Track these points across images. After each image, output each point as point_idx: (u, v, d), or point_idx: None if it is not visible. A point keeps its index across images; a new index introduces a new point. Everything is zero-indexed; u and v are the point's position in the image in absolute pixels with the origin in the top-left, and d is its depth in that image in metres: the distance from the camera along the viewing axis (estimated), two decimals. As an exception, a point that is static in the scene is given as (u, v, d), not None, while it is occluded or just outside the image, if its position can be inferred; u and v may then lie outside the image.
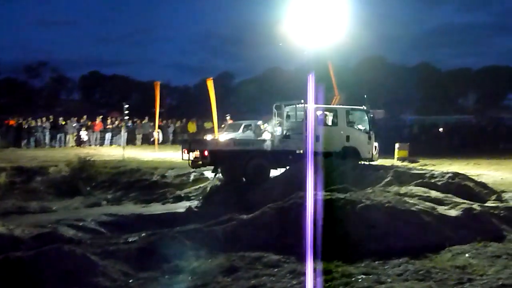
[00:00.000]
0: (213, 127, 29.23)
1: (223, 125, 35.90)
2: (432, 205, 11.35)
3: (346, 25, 28.43)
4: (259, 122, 36.24)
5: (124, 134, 30.98)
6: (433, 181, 14.49)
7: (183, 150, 19.26)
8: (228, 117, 39.28)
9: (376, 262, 8.41)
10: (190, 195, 17.60)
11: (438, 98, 70.83)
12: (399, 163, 23.13)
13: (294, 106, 20.78)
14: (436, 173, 15.75)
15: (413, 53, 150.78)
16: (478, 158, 27.11)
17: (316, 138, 19.57)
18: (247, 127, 36.20)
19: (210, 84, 27.57)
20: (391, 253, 8.82)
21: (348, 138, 20.74)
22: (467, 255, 9.04)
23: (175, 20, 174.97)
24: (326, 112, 21.49)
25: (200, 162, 18.70)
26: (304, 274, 7.70)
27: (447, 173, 15.52)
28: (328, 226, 9.17)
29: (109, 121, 39.93)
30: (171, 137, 41.61)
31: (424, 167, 20.91)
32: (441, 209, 11.21)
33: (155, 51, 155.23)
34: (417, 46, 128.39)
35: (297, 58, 39.09)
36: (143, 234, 9.89)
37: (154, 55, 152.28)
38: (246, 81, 76.82)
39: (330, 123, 21.27)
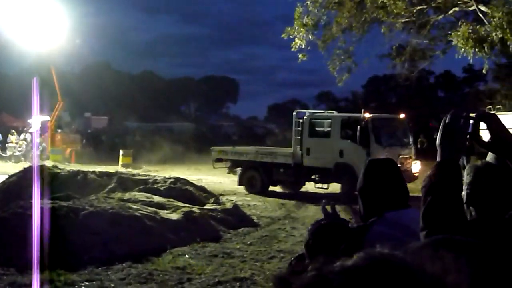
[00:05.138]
0: None
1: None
2: (155, 209, 11.77)
3: (69, 30, 28.05)
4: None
5: None
6: (156, 186, 14.94)
7: None
8: None
9: (100, 269, 8.51)
10: None
11: (162, 106, 72.72)
12: (123, 170, 23.23)
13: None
14: (159, 178, 16.28)
15: (137, 61, 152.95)
16: (198, 163, 28.42)
17: (307, 151, 18.01)
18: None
19: None
20: (115, 258, 8.99)
21: (341, 153, 17.38)
22: (187, 256, 9.62)
23: None
24: (318, 121, 18.82)
25: None
26: (24, 285, 7.49)
27: (170, 178, 16.15)
28: (51, 235, 8.96)
29: None
30: None
31: (148, 173, 21.29)
32: (163, 213, 11.70)
33: None
34: (140, 54, 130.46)
35: (18, 63, 37.26)
36: None
37: None
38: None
39: (322, 134, 18.26)
